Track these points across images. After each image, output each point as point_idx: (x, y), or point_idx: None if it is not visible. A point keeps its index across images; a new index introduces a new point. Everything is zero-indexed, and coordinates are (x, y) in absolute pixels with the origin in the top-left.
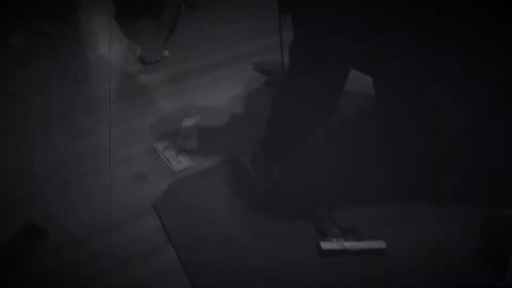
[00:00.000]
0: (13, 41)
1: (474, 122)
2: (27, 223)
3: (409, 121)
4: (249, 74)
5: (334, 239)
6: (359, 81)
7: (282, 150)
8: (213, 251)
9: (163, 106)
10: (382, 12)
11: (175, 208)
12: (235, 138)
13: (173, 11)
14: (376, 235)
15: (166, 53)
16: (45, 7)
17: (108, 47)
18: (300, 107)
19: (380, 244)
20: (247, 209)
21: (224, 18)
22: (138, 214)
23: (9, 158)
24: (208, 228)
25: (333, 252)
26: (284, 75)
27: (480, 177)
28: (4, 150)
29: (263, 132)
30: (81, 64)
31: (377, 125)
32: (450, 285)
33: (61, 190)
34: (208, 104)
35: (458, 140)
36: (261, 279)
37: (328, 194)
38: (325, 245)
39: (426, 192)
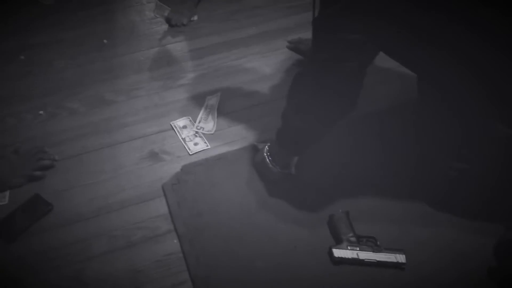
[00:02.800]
0: (44, 0)
1: None
2: (34, 194)
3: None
4: (282, 53)
5: (348, 247)
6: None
7: (298, 143)
8: (218, 246)
9: (187, 81)
10: None
11: (185, 194)
12: (257, 123)
13: None
14: (397, 248)
15: (195, 17)
16: None
17: (138, 11)
18: (319, 93)
19: (399, 258)
20: (258, 203)
21: None
22: (147, 195)
23: (25, 125)
24: (216, 220)
25: (346, 261)
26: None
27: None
28: (19, 116)
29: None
30: (108, 29)
31: (415, 124)
32: None
33: (72, 163)
34: (233, 82)
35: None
36: (264, 281)
37: (347, 195)
38: (338, 253)
39: (452, 202)
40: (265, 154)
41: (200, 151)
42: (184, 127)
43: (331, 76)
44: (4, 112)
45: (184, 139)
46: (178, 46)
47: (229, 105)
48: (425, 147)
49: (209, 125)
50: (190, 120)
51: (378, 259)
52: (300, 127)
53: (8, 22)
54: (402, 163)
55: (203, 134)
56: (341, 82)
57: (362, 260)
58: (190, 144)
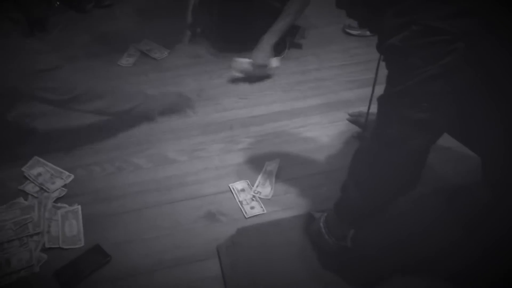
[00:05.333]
0: (123, 62)
1: None
2: (95, 245)
3: None
4: (342, 124)
5: None
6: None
7: (356, 216)
8: None
9: (247, 145)
10: None
11: (238, 257)
12: (314, 191)
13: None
14: None
15: (277, 62)
16: (156, 33)
17: (209, 77)
18: (380, 169)
19: None
20: (313, 273)
21: (327, 62)
22: (201, 255)
23: (92, 177)
24: (269, 286)
25: None
26: (368, 130)
27: None
28: (88, 167)
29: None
30: (178, 92)
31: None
32: None
33: (133, 217)
34: (292, 150)
35: None
36: None
37: (407, 273)
38: None
39: None
40: (321, 224)
41: (256, 215)
42: (242, 190)
43: (394, 153)
44: (76, 164)
45: (241, 202)
46: (241, 112)
47: (287, 172)
48: (497, 230)
49: (267, 190)
50: (248, 184)
51: None
52: (359, 200)
53: None
54: (466, 246)
55: (260, 198)
56: (404, 160)
57: None
58: (247, 208)
